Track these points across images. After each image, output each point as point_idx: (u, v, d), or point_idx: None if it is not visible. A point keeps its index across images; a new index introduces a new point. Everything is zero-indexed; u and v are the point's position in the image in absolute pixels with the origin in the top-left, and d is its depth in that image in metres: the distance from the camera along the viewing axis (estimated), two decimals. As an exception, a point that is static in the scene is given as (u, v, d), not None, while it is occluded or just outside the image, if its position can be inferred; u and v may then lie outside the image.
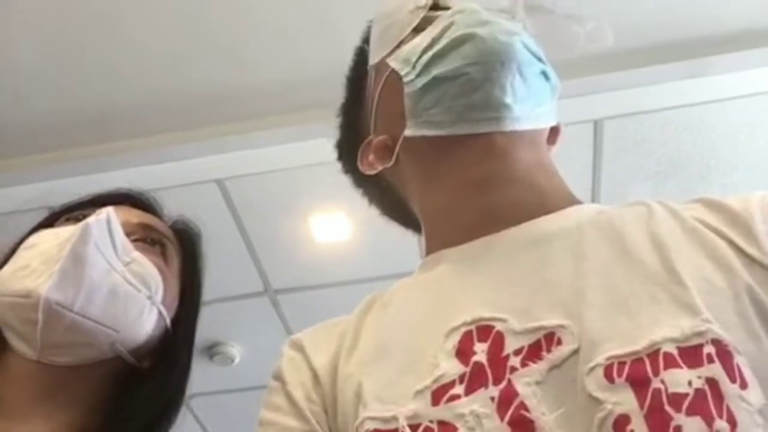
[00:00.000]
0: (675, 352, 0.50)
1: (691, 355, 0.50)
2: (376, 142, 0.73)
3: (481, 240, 0.64)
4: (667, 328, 0.51)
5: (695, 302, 0.52)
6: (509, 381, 0.53)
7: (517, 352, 0.54)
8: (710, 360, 0.49)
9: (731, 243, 0.57)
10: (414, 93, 0.68)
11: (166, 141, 2.36)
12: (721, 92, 2.31)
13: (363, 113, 0.78)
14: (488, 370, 0.54)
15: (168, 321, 0.80)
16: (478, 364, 0.54)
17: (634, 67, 2.21)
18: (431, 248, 0.69)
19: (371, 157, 0.74)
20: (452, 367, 0.55)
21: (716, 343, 0.50)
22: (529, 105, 0.67)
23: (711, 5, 2.12)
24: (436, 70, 0.66)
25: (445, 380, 0.55)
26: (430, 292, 0.63)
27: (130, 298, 0.75)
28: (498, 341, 0.55)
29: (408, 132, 0.69)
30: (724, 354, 0.50)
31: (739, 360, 0.50)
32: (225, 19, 2.12)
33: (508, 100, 0.65)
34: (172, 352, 0.80)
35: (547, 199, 0.66)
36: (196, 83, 2.28)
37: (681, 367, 0.49)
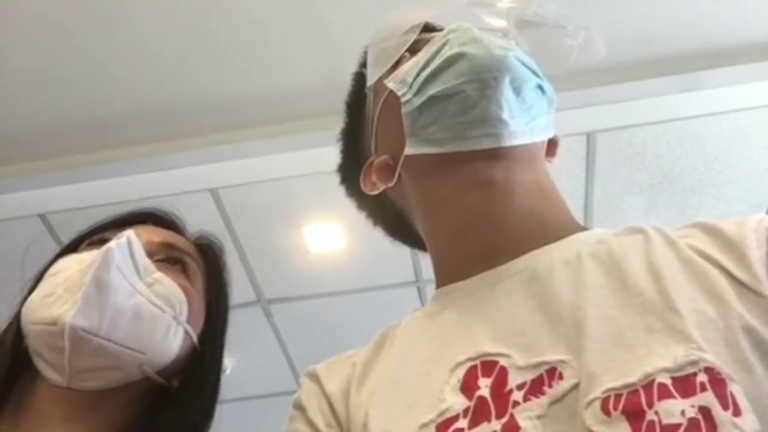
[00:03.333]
0: (669, 382, 0.51)
1: (684, 385, 0.51)
2: (377, 162, 0.74)
3: (485, 275, 0.66)
4: (661, 358, 0.52)
5: (689, 330, 0.53)
6: (511, 415, 0.54)
7: (519, 387, 0.56)
8: (703, 388, 0.50)
9: (724, 270, 0.58)
10: (412, 112, 0.69)
11: (161, 150, 2.36)
12: (714, 106, 2.32)
13: (364, 136, 0.79)
14: (491, 405, 0.55)
15: (195, 339, 0.80)
16: (481, 399, 0.56)
17: (628, 81, 2.23)
18: (438, 280, 0.72)
19: (373, 177, 0.75)
20: (456, 402, 0.57)
21: (709, 371, 0.51)
22: (526, 119, 0.68)
23: (704, 20, 2.14)
24: (433, 90, 0.68)
25: (450, 414, 0.56)
26: (437, 328, 0.65)
27: (155, 319, 0.75)
28: (502, 376, 0.57)
29: (408, 150, 0.70)
30: (716, 382, 0.51)
31: (733, 388, 0.50)
32: (220, 29, 2.12)
33: (505, 115, 0.66)
34: (200, 370, 0.80)
35: (548, 227, 0.67)
36: (190, 92, 2.29)
37: (674, 398, 0.50)
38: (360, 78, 0.79)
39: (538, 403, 0.54)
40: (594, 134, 2.42)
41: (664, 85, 2.24)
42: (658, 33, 2.16)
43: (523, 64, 0.68)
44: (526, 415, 0.54)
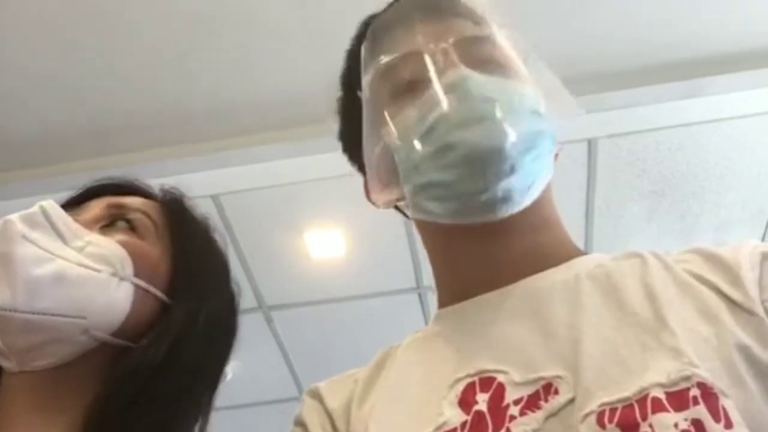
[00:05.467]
0: (663, 396, 0.53)
1: (677, 399, 0.52)
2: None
3: (485, 296, 0.67)
4: (655, 373, 0.54)
5: (682, 347, 0.55)
6: (508, 429, 0.56)
7: (516, 402, 0.57)
8: (695, 402, 0.52)
9: (718, 291, 0.60)
10: (411, 188, 0.67)
11: (161, 156, 2.36)
12: (715, 113, 2.32)
13: (358, 116, 0.76)
14: (488, 419, 0.57)
15: (157, 292, 0.75)
16: (479, 413, 0.57)
17: (629, 87, 2.23)
18: (440, 300, 0.72)
19: (373, 196, 0.74)
20: (455, 416, 0.58)
21: (701, 386, 0.53)
22: (528, 183, 0.66)
23: (706, 27, 2.14)
24: (429, 175, 0.65)
25: (448, 428, 0.58)
26: (437, 347, 0.67)
27: (87, 280, 0.71)
28: (499, 392, 0.58)
29: (409, 213, 0.71)
30: (708, 396, 0.52)
31: (725, 402, 0.52)
32: (223, 35, 2.13)
33: (504, 196, 0.64)
34: (164, 321, 0.74)
35: (548, 255, 0.68)
36: (191, 98, 2.29)
37: (668, 411, 0.52)
38: (355, 57, 0.76)
39: (534, 417, 0.56)
40: (596, 141, 2.42)
41: (666, 91, 2.24)
42: (659, 39, 2.16)
43: (523, 122, 0.65)
44: (522, 429, 0.55)
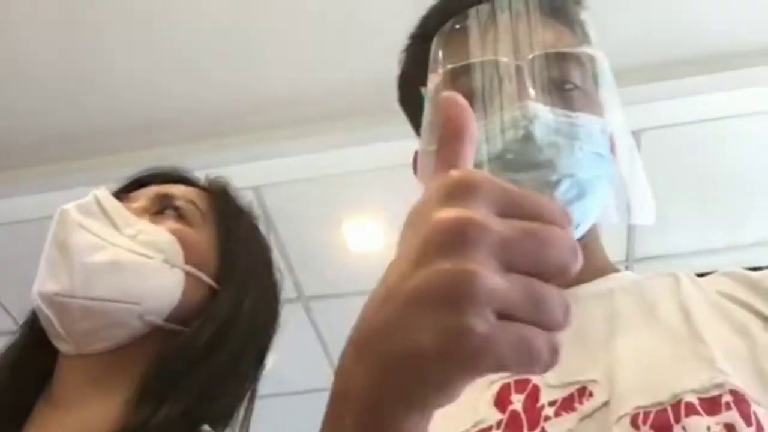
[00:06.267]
0: (696, 401, 0.54)
1: (710, 404, 0.53)
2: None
3: None
4: (689, 380, 0.55)
5: (715, 357, 0.56)
6: (543, 429, 0.57)
7: (551, 404, 0.58)
8: (728, 408, 0.53)
9: (750, 308, 0.61)
10: None
11: (204, 148, 2.39)
12: (763, 104, 2.26)
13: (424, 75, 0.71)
14: (523, 418, 0.58)
15: (207, 279, 0.77)
16: (514, 412, 0.58)
17: (675, 78, 2.18)
18: None
19: (420, 177, 0.72)
20: (491, 414, 0.59)
21: (734, 393, 0.54)
22: (575, 225, 0.64)
23: (754, 17, 2.08)
24: None
25: (484, 425, 0.59)
26: None
27: (140, 267, 0.73)
28: (534, 393, 0.59)
29: None
30: (741, 402, 0.53)
31: (756, 408, 0.53)
32: (263, 25, 2.14)
33: None
34: (213, 306, 0.76)
35: (585, 272, 0.66)
36: (231, 91, 2.31)
37: (701, 415, 0.53)
38: (421, 41, 0.72)
39: (569, 418, 0.56)
40: (639, 133, 2.38)
41: (713, 82, 2.18)
42: (705, 29, 2.11)
43: (586, 156, 0.62)
44: (557, 429, 0.56)
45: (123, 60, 2.22)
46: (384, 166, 2.30)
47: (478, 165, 0.62)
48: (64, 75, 2.27)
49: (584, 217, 0.65)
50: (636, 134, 2.38)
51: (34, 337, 0.76)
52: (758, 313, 0.60)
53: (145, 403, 0.71)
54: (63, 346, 0.74)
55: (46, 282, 0.71)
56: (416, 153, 0.74)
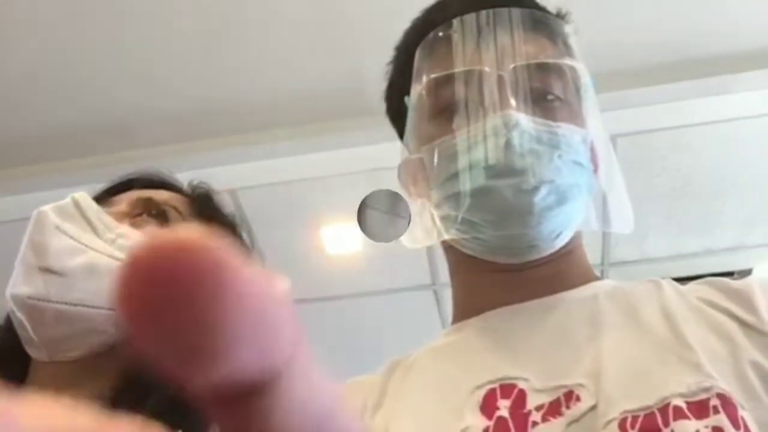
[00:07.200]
0: (683, 405, 0.54)
1: (698, 408, 0.54)
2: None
3: (505, 308, 0.67)
4: (676, 384, 0.56)
5: (701, 361, 0.57)
6: None
7: (538, 408, 0.58)
8: (716, 411, 0.54)
9: (732, 315, 0.61)
10: (440, 214, 0.67)
11: (179, 150, 2.37)
12: (738, 110, 2.29)
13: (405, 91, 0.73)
14: (511, 424, 0.57)
15: None
16: (501, 419, 0.58)
17: (650, 85, 2.20)
18: (455, 316, 0.72)
19: (403, 180, 0.73)
20: (477, 421, 0.58)
21: (721, 396, 0.54)
22: (556, 233, 0.66)
23: (729, 23, 2.11)
24: (457, 210, 0.65)
25: None
26: (456, 354, 0.67)
27: None
28: (520, 398, 0.59)
29: (444, 235, 0.69)
30: (728, 406, 0.54)
31: (743, 413, 0.54)
32: (239, 31, 2.13)
33: (530, 244, 0.65)
34: None
35: (566, 280, 0.68)
36: (209, 94, 2.30)
37: (689, 419, 0.53)
38: (407, 48, 0.72)
39: (557, 423, 0.56)
40: (615, 138, 2.40)
41: (687, 88, 2.21)
42: (680, 36, 2.14)
43: (565, 165, 0.63)
44: None
45: (103, 61, 2.19)
46: (361, 169, 2.31)
47: (462, 169, 0.64)
48: (39, 76, 2.23)
49: (565, 224, 0.65)
50: (612, 139, 2.40)
51: (10, 342, 0.74)
52: (738, 319, 0.61)
53: (119, 412, 0.69)
54: (35, 353, 0.72)
55: (19, 284, 0.69)
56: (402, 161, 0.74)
